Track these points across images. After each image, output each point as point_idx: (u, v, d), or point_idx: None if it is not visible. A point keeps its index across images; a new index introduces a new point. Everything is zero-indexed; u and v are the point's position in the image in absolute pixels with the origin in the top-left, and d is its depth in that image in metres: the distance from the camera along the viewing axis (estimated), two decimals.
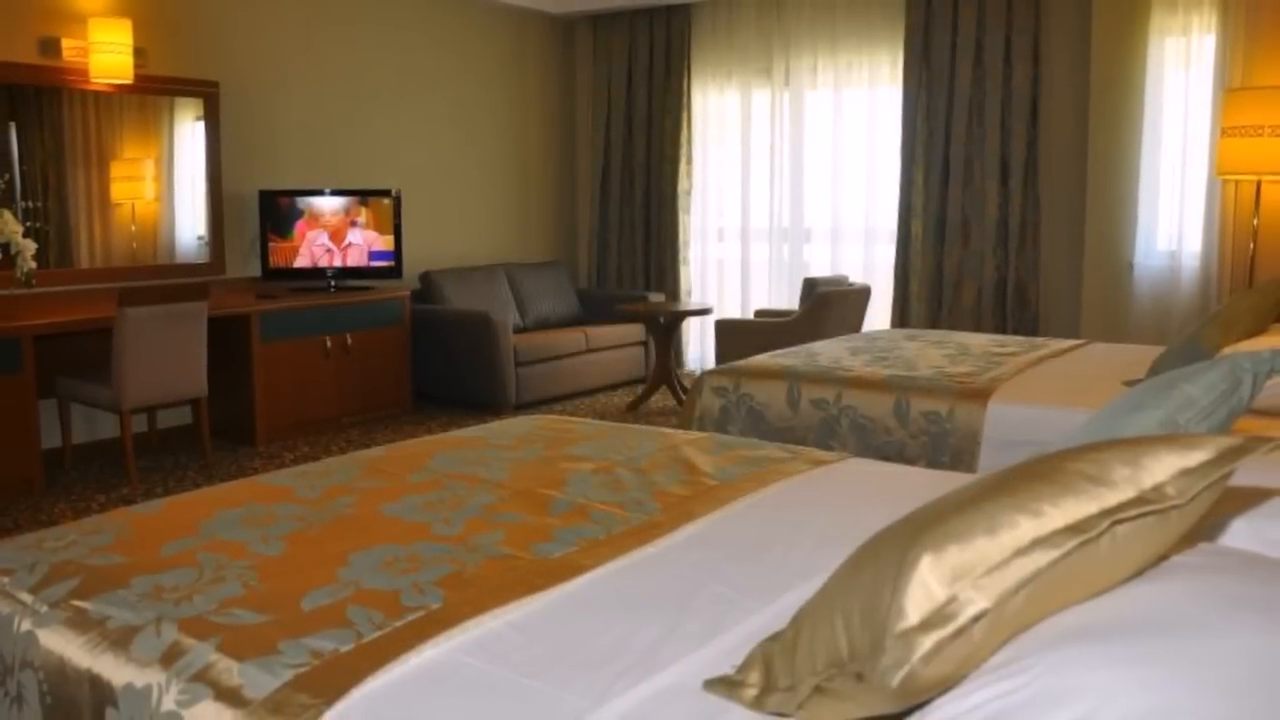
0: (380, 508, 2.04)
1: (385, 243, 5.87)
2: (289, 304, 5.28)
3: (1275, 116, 4.52)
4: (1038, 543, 1.01)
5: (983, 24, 5.89)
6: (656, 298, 6.83)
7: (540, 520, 1.94)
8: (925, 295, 6.17)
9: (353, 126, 6.10)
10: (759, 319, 6.14)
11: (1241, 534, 1.77)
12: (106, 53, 4.69)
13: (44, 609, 1.58)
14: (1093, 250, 5.46)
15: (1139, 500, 1.05)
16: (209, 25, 5.34)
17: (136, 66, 4.82)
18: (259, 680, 1.31)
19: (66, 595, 1.61)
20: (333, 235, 5.75)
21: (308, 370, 5.34)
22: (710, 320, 6.53)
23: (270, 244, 5.60)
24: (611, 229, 7.44)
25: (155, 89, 5.10)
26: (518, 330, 6.32)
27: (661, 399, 6.20)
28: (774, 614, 1.45)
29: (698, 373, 5.19)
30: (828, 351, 3.97)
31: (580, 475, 2.26)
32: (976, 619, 0.98)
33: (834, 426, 3.35)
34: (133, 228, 5.20)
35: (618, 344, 6.67)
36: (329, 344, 5.44)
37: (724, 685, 1.23)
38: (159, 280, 4.97)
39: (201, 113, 5.30)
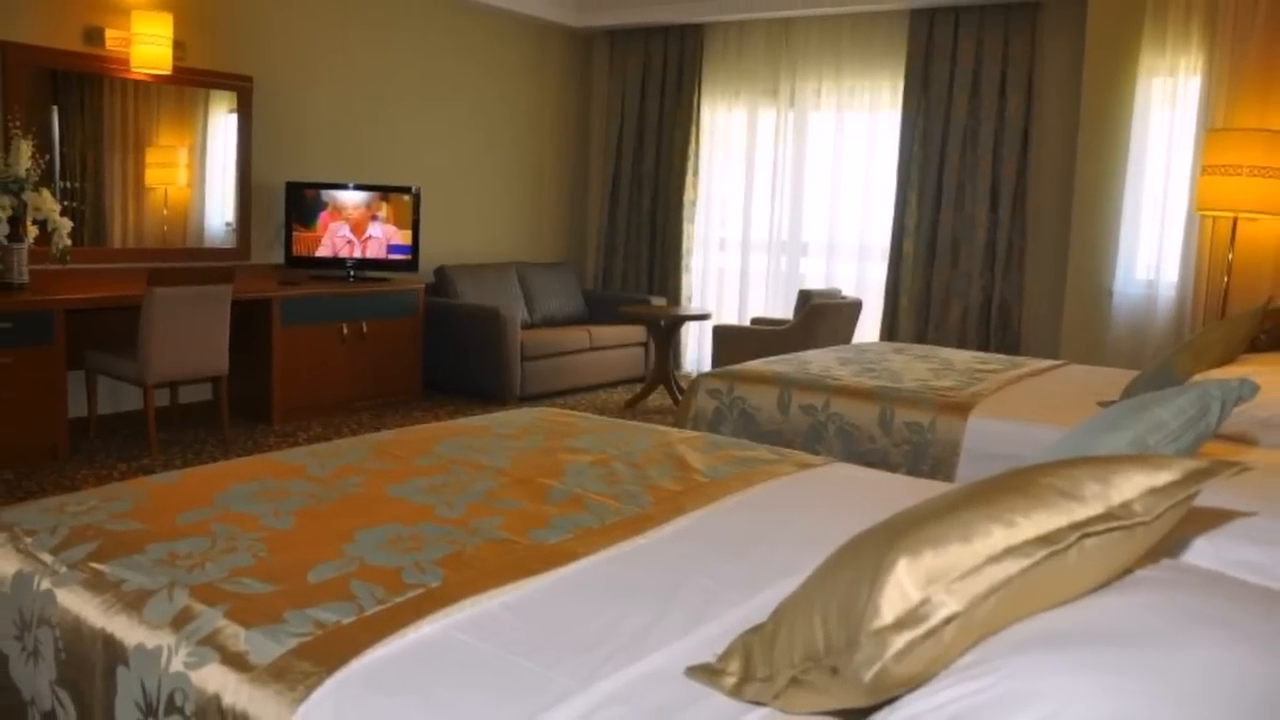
0: (387, 488, 2.03)
1: (403, 237, 5.87)
2: (309, 291, 5.28)
3: (1254, 157, 4.52)
4: (1009, 551, 1.01)
5: (980, 57, 5.89)
6: (658, 301, 6.83)
7: (538, 508, 1.94)
8: (913, 311, 6.17)
9: (378, 125, 6.10)
10: (755, 326, 6.14)
11: (1203, 552, 1.77)
12: (148, 44, 4.69)
13: (63, 569, 1.58)
14: (1074, 276, 5.46)
15: (1107, 516, 1.05)
16: (246, 22, 5.34)
17: (175, 59, 4.82)
18: (264, 647, 1.31)
19: (85, 558, 1.61)
20: (354, 228, 5.75)
21: (324, 355, 5.34)
22: (709, 325, 6.53)
23: (294, 233, 5.60)
24: (619, 234, 7.44)
25: (192, 81, 5.10)
26: (525, 326, 6.32)
27: (659, 398, 6.19)
28: (755, 607, 1.45)
29: (694, 375, 5.19)
30: (818, 360, 3.96)
31: (578, 467, 2.26)
32: (948, 621, 0.98)
33: (821, 432, 3.35)
34: (164, 212, 5.20)
35: (620, 344, 6.66)
36: (345, 331, 5.44)
37: (705, 673, 1.23)
38: (187, 263, 4.97)
39: (235, 105, 5.31)
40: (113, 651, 1.41)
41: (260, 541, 1.69)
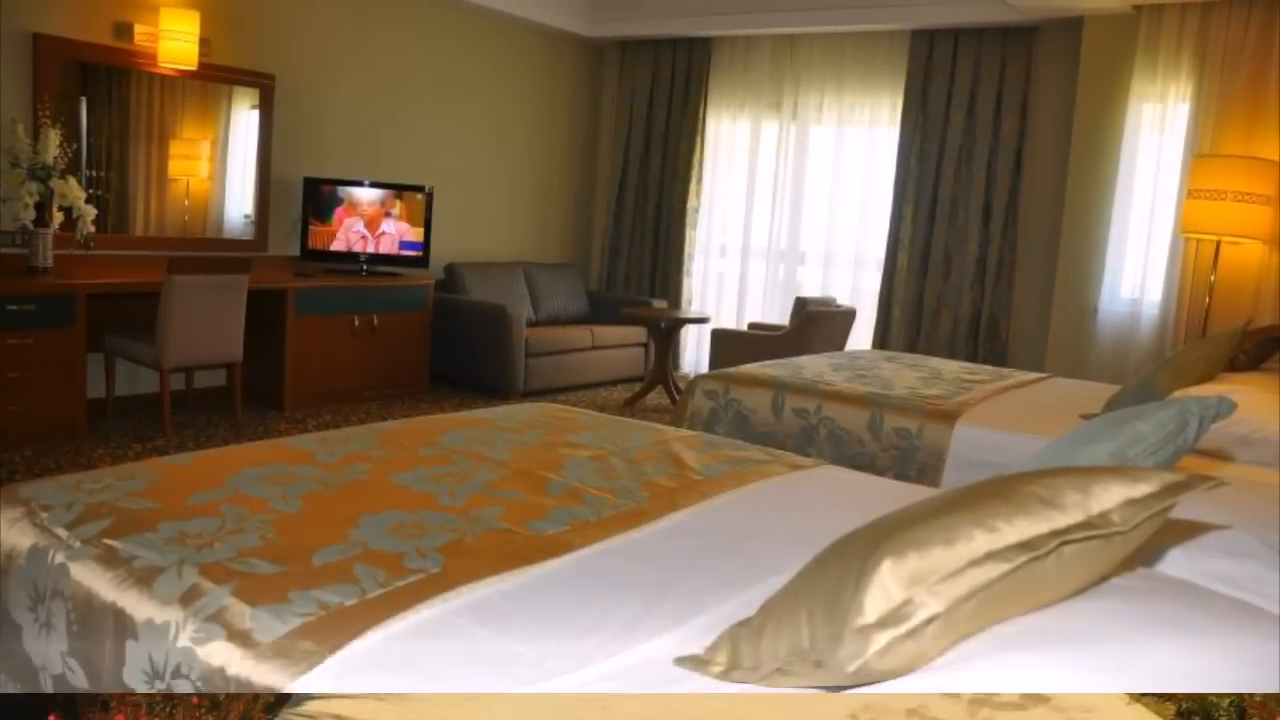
0: (392, 476, 2.03)
1: (415, 234, 5.87)
2: (323, 283, 5.28)
3: (1238, 183, 4.52)
4: (990, 556, 1.01)
5: (978, 78, 5.89)
6: (659, 304, 6.83)
7: (537, 499, 1.94)
8: (905, 321, 6.17)
9: (394, 125, 6.10)
10: (752, 331, 6.14)
11: (1177, 562, 1.77)
12: (175, 40, 4.69)
13: (77, 544, 1.58)
14: (1062, 292, 5.46)
15: (1086, 524, 1.05)
16: (269, 22, 5.34)
17: (201, 55, 4.82)
18: (269, 625, 1.31)
19: (99, 534, 1.61)
20: (368, 223, 5.75)
21: (335, 345, 5.34)
22: (707, 329, 6.52)
23: (310, 227, 5.60)
24: (623, 238, 7.43)
25: (216, 77, 5.10)
26: (530, 324, 6.32)
27: (657, 397, 6.19)
28: (744, 602, 1.44)
29: (692, 376, 5.19)
30: (812, 366, 3.96)
31: (577, 461, 2.26)
32: (929, 621, 0.98)
33: (813, 435, 3.35)
34: (186, 202, 5.20)
35: (621, 344, 6.66)
36: (357, 323, 5.44)
37: (693, 663, 1.23)
38: (206, 252, 4.97)
39: (257, 102, 5.31)
40: (123, 625, 1.41)
41: (268, 523, 1.69)
